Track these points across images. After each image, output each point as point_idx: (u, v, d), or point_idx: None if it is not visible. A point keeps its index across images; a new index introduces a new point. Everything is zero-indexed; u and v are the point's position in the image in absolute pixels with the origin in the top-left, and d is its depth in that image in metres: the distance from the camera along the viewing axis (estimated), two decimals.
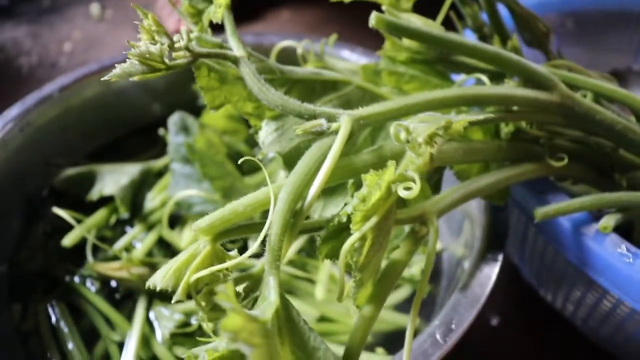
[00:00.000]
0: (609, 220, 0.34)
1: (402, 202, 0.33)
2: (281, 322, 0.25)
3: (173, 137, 0.46)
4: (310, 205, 0.26)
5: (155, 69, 0.29)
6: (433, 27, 0.37)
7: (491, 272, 0.35)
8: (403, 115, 0.30)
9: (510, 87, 0.34)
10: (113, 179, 0.46)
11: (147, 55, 0.28)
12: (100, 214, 0.45)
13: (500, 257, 0.36)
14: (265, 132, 0.32)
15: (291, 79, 0.33)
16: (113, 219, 0.46)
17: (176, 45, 0.29)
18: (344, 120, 0.28)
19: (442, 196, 0.30)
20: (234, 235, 0.27)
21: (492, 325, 0.49)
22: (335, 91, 0.33)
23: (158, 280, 0.27)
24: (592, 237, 0.34)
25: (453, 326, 0.33)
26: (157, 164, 0.49)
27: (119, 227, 0.46)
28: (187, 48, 0.29)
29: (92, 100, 0.50)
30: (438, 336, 0.32)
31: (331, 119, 0.28)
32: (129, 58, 0.28)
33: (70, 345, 0.39)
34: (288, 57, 0.42)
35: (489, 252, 0.36)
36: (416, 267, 0.45)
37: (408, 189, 0.25)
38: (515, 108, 0.35)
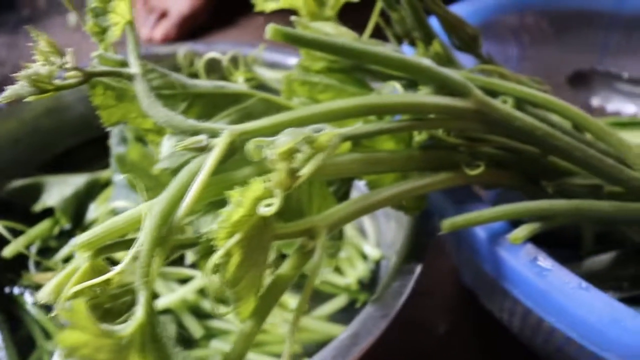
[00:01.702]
0: (522, 231, 0.34)
1: (299, 214, 0.34)
2: (146, 337, 0.25)
3: (115, 148, 0.47)
4: (181, 221, 0.27)
5: (45, 90, 0.30)
6: (346, 35, 0.38)
7: (405, 284, 0.35)
8: None
9: (418, 95, 0.34)
10: (58, 190, 0.47)
11: (35, 77, 0.30)
12: (43, 225, 0.47)
13: (418, 269, 0.36)
14: (166, 148, 0.33)
15: (192, 93, 0.33)
16: (56, 230, 0.47)
17: (66, 66, 0.30)
18: (223, 136, 0.28)
19: (335, 209, 0.30)
20: (112, 251, 0.28)
21: (440, 333, 0.48)
22: (237, 104, 0.34)
23: (43, 294, 0.28)
24: (507, 247, 0.34)
25: (358, 340, 0.33)
26: (104, 174, 0.50)
27: (65, 237, 0.48)
28: (76, 68, 0.30)
29: (45, 112, 0.52)
30: (340, 350, 0.33)
31: (214, 134, 0.29)
32: (17, 80, 0.30)
33: (1, 354, 0.40)
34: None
35: (406, 263, 0.36)
36: (352, 277, 0.45)
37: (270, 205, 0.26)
38: (432, 116, 0.35)
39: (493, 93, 0.37)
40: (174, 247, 0.29)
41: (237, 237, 0.26)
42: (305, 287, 0.28)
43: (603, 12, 0.58)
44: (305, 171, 0.27)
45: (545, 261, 0.34)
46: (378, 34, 0.42)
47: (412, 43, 0.41)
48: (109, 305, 0.29)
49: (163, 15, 0.83)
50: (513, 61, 0.61)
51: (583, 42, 0.61)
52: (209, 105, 0.34)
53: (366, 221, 0.50)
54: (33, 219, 0.48)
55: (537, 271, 0.33)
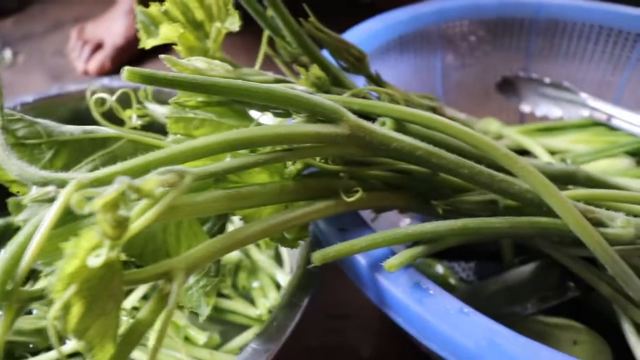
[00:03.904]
0: (399, 258, 0.34)
1: (165, 255, 0.34)
2: None
3: None
4: (23, 275, 0.28)
5: None
6: (220, 69, 0.38)
7: (291, 318, 0.36)
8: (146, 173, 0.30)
9: (285, 125, 0.35)
10: None
11: None
12: None
13: (305, 302, 0.36)
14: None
15: (58, 141, 0.34)
16: None
17: None
18: (67, 187, 0.29)
19: (195, 249, 0.31)
20: None
21: (364, 357, 0.49)
22: (104, 148, 0.34)
23: None
24: (387, 274, 0.34)
25: None
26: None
27: None
28: None
29: None
30: None
31: (62, 185, 0.30)
32: None
33: None
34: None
35: (295, 295, 0.37)
36: (263, 307, 0.46)
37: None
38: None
39: (374, 115, 0.38)
40: (25, 299, 0.29)
41: (72, 289, 0.26)
42: (158, 334, 0.29)
43: (523, 19, 0.58)
44: (141, 222, 0.28)
45: (427, 287, 0.34)
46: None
47: (303, 67, 0.42)
48: None
49: (98, 47, 0.85)
50: (445, 71, 0.62)
51: (515, 49, 0.61)
52: (76, 152, 0.34)
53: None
54: None
55: (417, 298, 0.33)
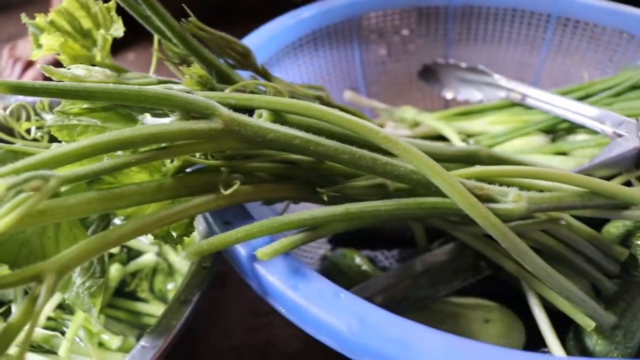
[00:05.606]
0: (273, 246, 0.36)
1: (43, 259, 0.36)
2: None
3: None
4: None
5: None
6: (99, 75, 0.41)
7: (181, 314, 0.37)
8: None
9: (158, 124, 0.37)
10: None
11: None
12: None
13: (195, 298, 0.38)
14: None
15: None
16: None
17: None
18: None
19: (68, 251, 0.33)
20: None
21: (292, 353, 0.51)
22: None
23: None
24: (264, 263, 0.36)
25: None
26: None
27: None
28: None
29: None
30: None
31: None
32: None
33: None
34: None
35: (186, 291, 0.39)
36: None
37: None
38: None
39: (252, 108, 0.40)
40: None
41: None
42: (25, 334, 0.31)
43: (438, 6, 0.61)
44: None
45: (305, 273, 0.36)
46: None
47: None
48: None
49: (30, 64, 0.87)
50: (365, 63, 0.64)
51: (433, 37, 0.64)
52: None
53: None
54: None
55: (294, 284, 0.35)
